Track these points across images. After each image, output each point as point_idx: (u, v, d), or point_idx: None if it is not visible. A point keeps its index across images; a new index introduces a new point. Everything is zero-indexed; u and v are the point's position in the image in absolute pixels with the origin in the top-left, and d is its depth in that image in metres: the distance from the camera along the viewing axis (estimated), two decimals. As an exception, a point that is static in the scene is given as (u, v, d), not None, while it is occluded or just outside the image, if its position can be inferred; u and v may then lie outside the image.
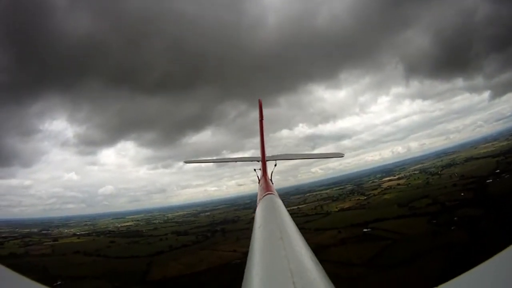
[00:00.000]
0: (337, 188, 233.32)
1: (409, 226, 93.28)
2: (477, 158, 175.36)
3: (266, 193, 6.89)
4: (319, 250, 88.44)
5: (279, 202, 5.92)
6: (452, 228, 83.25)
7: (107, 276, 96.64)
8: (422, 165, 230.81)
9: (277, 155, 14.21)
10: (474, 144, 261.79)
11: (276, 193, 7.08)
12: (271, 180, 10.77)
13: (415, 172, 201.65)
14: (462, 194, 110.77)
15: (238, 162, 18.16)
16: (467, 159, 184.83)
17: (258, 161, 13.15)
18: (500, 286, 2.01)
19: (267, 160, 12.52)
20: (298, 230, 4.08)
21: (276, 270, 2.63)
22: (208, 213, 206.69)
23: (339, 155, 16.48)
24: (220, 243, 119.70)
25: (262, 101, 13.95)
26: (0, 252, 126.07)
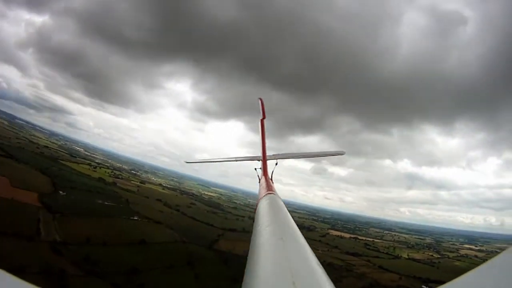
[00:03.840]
0: (417, 236, 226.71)
1: None
2: None
3: (267, 192, 6.36)
4: (375, 285, 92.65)
5: (280, 202, 5.52)
6: None
7: (180, 230, 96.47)
8: (509, 245, 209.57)
9: (277, 154, 13.80)
10: None
11: (276, 192, 6.53)
12: (271, 179, 10.19)
13: (498, 250, 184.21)
14: None
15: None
16: None
17: (259, 161, 12.65)
18: (501, 287, 1.97)
19: (267, 160, 12.23)
20: (298, 230, 3.75)
21: (277, 270, 2.64)
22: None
23: (340, 153, 16.05)
24: None
25: (263, 100, 14.89)
26: (91, 173, 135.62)
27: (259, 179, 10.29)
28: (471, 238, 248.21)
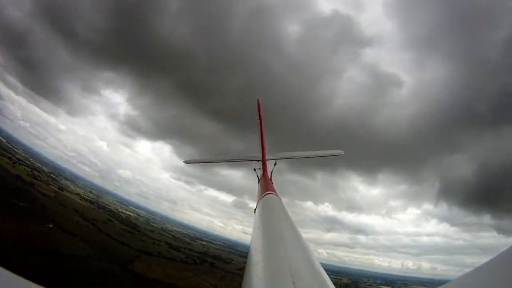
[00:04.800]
0: (333, 276, 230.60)
1: None
2: None
3: (266, 192, 6.55)
4: None
5: (279, 202, 5.79)
6: None
7: (95, 246, 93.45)
8: (425, 287, 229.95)
9: (277, 155, 14.04)
10: None
11: (276, 192, 6.71)
12: (271, 179, 10.44)
13: None
14: None
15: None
16: None
17: (258, 161, 12.82)
18: (501, 287, 1.94)
19: (267, 160, 12.41)
20: (298, 230, 3.90)
21: (276, 270, 2.67)
22: (205, 243, 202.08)
23: (339, 153, 16.26)
24: (205, 273, 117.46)
25: (260, 101, 14.53)
26: (9, 168, 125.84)
27: (258, 180, 10.58)
28: (388, 280, 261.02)
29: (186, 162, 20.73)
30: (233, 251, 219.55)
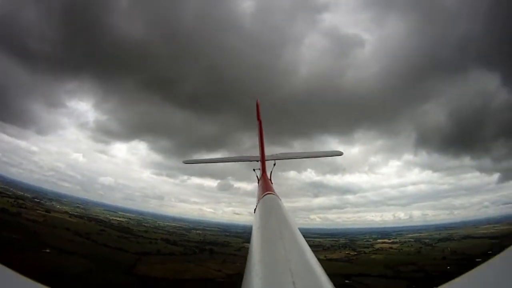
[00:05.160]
0: (331, 239, 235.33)
1: (389, 285, 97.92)
2: (474, 237, 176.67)
3: (266, 192, 6.91)
4: None
5: (279, 202, 5.98)
6: None
7: (95, 259, 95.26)
8: (420, 234, 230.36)
9: (277, 155, 14.35)
10: (476, 224, 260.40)
11: (275, 192, 7.09)
12: (270, 179, 10.82)
13: (411, 240, 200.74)
14: (449, 267, 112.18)
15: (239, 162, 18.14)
16: (465, 237, 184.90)
17: (258, 161, 13.21)
18: (501, 287, 1.98)
19: (266, 160, 12.51)
20: (298, 230, 4.07)
21: (276, 270, 2.72)
22: (200, 232, 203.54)
23: (338, 153, 16.74)
24: (206, 260, 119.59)
25: (259, 102, 13.84)
26: None
27: (258, 180, 10.66)
28: (383, 233, 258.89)
29: (185, 162, 21.49)
30: (228, 233, 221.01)
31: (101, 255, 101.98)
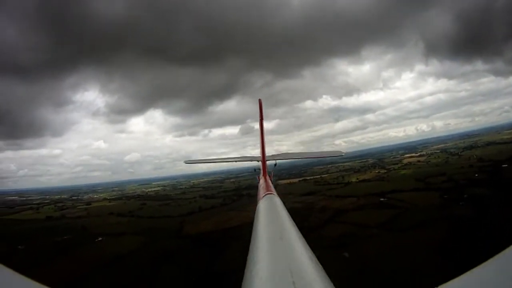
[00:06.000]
0: (359, 161, 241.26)
1: (422, 198, 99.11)
2: (498, 143, 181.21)
3: (266, 193, 6.89)
4: (338, 214, 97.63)
5: (279, 202, 5.94)
6: (461, 203, 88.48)
7: (145, 232, 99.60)
8: (445, 145, 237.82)
9: (277, 155, 14.18)
10: (499, 129, 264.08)
11: (276, 193, 7.06)
12: (271, 179, 10.73)
13: (437, 151, 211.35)
14: (476, 175, 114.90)
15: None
16: (489, 143, 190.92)
17: (258, 161, 13.19)
18: (501, 287, 1.99)
19: (267, 160, 12.52)
20: (298, 230, 4.06)
21: (276, 270, 2.73)
22: (233, 180, 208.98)
23: (339, 154, 16.58)
24: (247, 205, 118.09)
25: (262, 101, 13.85)
26: (36, 216, 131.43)
27: (258, 180, 10.69)
28: (409, 148, 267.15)
29: (186, 162, 22.19)
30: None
31: (149, 227, 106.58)
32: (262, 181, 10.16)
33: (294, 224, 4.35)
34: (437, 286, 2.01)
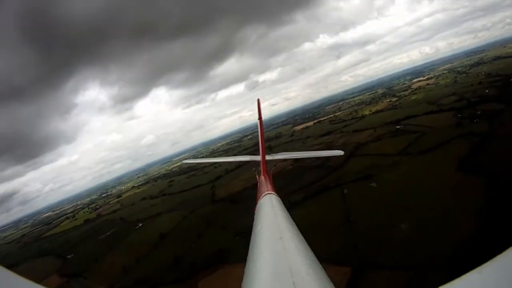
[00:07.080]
0: (369, 93, 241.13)
1: (437, 120, 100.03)
2: (505, 57, 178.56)
3: (266, 192, 6.70)
4: (359, 148, 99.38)
5: (279, 202, 5.84)
6: (475, 120, 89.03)
7: (180, 206, 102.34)
8: (451, 64, 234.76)
9: (277, 154, 13.94)
10: (503, 43, 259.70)
11: (275, 192, 6.81)
12: (270, 179, 10.46)
13: (444, 72, 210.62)
14: (487, 91, 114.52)
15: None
16: (495, 58, 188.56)
17: (258, 161, 12.85)
18: (501, 287, 1.93)
19: (266, 160, 12.23)
20: (297, 229, 4.00)
21: (276, 270, 2.68)
22: (250, 137, 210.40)
23: (339, 153, 16.33)
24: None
25: (260, 100, 13.88)
26: (75, 223, 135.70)
27: (258, 179, 10.69)
28: (416, 72, 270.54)
29: (185, 162, 24.94)
30: (275, 125, 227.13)
31: (182, 200, 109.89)
32: (262, 180, 10.00)
33: (294, 223, 4.33)
34: (437, 286, 2.20)
